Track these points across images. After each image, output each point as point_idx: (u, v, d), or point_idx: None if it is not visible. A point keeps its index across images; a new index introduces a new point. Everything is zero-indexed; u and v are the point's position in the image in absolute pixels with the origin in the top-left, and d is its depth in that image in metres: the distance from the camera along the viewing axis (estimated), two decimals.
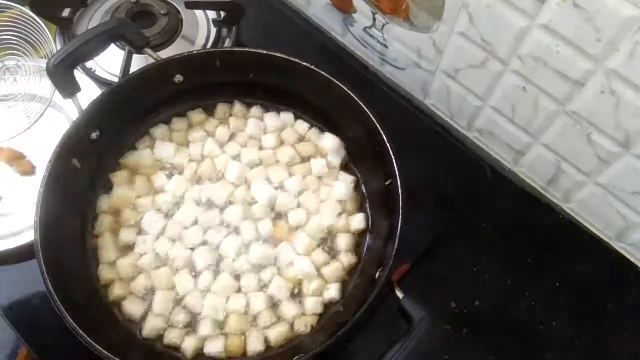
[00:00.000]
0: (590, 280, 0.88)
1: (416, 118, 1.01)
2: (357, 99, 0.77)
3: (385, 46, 1.00)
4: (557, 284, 0.88)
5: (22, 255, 0.83)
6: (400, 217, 0.67)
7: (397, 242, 0.66)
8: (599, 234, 0.93)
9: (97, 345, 0.60)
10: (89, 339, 0.60)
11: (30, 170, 0.91)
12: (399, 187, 0.69)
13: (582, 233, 0.93)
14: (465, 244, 0.90)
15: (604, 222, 0.90)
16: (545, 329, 0.85)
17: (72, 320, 0.61)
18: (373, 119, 0.75)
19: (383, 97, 1.02)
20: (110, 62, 0.96)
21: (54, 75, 0.73)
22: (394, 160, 0.72)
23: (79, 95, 0.78)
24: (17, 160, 0.91)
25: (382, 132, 0.74)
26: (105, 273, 0.75)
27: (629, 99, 0.70)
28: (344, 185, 0.83)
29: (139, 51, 0.81)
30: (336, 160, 0.85)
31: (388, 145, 0.73)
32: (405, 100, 1.04)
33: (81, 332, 0.61)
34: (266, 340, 0.72)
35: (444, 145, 0.98)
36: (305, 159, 0.86)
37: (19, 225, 0.85)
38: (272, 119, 0.88)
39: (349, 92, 0.78)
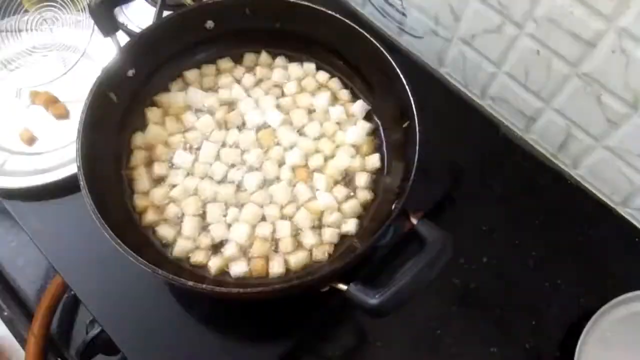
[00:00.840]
0: (595, 243, 0.91)
1: (431, 87, 1.03)
2: (377, 44, 0.80)
3: (404, 14, 1.03)
4: (563, 246, 0.91)
5: (56, 189, 0.87)
6: (417, 149, 0.70)
7: (413, 174, 0.68)
8: (605, 199, 0.95)
9: (140, 258, 0.63)
10: (133, 253, 0.63)
11: (64, 114, 0.96)
12: (417, 125, 0.72)
13: (589, 199, 0.96)
14: (474, 205, 0.93)
15: (610, 187, 0.93)
16: (550, 287, 0.87)
17: (115, 236, 0.64)
18: (392, 63, 0.78)
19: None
20: (142, 17, 1.00)
21: (95, 15, 0.77)
22: (412, 101, 0.75)
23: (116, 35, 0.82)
24: (53, 104, 0.95)
25: (401, 76, 0.77)
26: (140, 201, 0.79)
27: (639, 58, 0.72)
28: (359, 129, 0.86)
29: None
30: (359, 114, 0.89)
31: (406, 86, 0.76)
32: (421, 69, 1.07)
33: (125, 247, 0.64)
34: (287, 264, 0.76)
35: (458, 114, 1.01)
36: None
37: (54, 161, 0.90)
38: (295, 69, 0.91)
39: (369, 37, 0.81)
